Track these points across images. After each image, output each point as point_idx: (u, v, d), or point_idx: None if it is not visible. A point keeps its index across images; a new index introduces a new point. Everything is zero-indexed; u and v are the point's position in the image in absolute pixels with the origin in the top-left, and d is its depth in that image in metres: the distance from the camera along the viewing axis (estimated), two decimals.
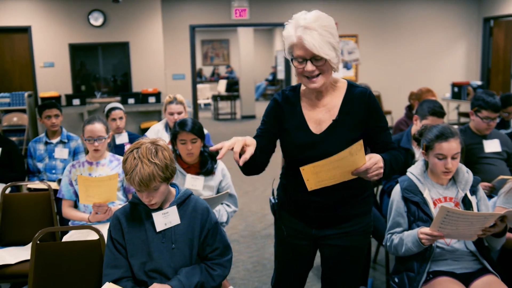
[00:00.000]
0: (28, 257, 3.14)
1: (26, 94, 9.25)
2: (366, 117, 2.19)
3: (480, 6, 11.56)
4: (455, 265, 2.55)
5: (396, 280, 2.65)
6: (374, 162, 1.98)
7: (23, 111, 9.17)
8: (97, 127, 3.41)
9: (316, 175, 2.01)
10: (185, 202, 2.35)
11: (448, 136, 2.57)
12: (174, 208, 2.30)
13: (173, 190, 2.38)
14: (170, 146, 3.26)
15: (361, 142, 1.92)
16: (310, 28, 2.03)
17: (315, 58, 2.05)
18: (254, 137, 2.22)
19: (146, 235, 2.27)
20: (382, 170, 2.01)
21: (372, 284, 3.69)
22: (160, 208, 2.29)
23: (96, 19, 9.84)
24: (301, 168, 1.99)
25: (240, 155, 1.95)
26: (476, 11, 11.62)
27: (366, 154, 2.01)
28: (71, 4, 9.75)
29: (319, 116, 2.22)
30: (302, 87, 2.29)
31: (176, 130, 3.30)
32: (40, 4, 9.69)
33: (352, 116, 2.18)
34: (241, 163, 1.94)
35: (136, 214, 2.31)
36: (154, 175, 2.14)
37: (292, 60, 2.13)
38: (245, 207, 5.90)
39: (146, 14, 10.04)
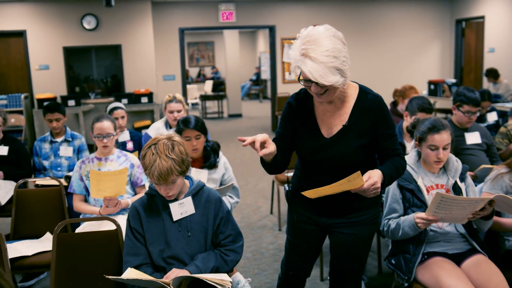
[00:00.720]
0: (43, 249, 3.20)
1: (22, 96, 9.19)
2: (375, 123, 2.21)
3: (452, 9, 11.74)
4: (447, 246, 2.63)
5: (393, 261, 2.71)
6: (371, 183, 2.04)
7: (20, 112, 9.10)
8: (106, 125, 3.44)
9: (316, 192, 2.15)
10: (198, 193, 2.40)
11: (440, 129, 2.66)
12: (189, 198, 2.35)
13: (187, 182, 2.43)
14: None
15: (359, 172, 1.99)
16: (310, 58, 1.98)
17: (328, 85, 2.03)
18: (274, 140, 2.32)
19: (164, 224, 2.32)
20: (379, 189, 2.08)
21: (366, 269, 3.77)
22: (176, 199, 2.34)
23: (89, 23, 9.79)
24: (303, 193, 2.15)
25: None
26: (449, 14, 11.80)
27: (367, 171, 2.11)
28: (64, 9, 9.69)
29: (330, 121, 2.24)
30: None
31: (180, 127, 3.33)
32: (35, 9, 9.61)
33: (362, 122, 2.20)
34: (260, 154, 2.09)
35: (154, 205, 2.36)
36: (172, 170, 2.18)
37: (299, 80, 2.11)
38: (240, 200, 5.94)
39: (137, 17, 10.01)
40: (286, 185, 2.55)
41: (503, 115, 6.48)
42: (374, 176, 2.05)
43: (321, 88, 2.06)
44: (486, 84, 9.55)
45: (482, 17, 10.71)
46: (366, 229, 2.39)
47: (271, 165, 2.28)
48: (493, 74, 9.06)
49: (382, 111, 2.21)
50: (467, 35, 11.61)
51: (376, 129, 2.21)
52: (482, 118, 5.40)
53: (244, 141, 2.12)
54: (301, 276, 2.62)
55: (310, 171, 2.36)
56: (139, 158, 3.77)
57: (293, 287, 2.68)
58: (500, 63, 9.85)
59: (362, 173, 2.08)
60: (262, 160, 2.28)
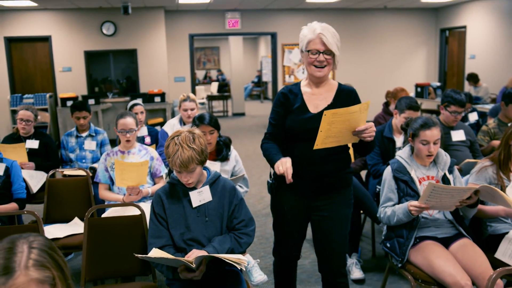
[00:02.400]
0: (73, 232, 3.23)
1: (47, 95, 9.21)
2: (354, 104, 2.34)
3: (437, 19, 11.75)
4: (437, 231, 2.67)
5: (388, 245, 2.75)
6: (370, 125, 2.21)
7: (45, 110, 9.13)
8: (129, 121, 3.47)
9: (330, 127, 2.17)
10: (215, 182, 2.42)
11: (431, 125, 2.69)
12: (207, 187, 2.38)
13: (205, 172, 2.46)
14: None
15: (368, 102, 2.19)
16: (327, 29, 2.33)
17: (326, 53, 2.31)
18: (271, 129, 2.51)
19: (184, 210, 2.34)
20: (374, 134, 2.22)
21: (361, 252, 3.82)
22: (195, 188, 2.37)
23: (108, 29, 9.81)
24: (324, 112, 2.16)
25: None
26: (434, 23, 11.81)
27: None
28: (86, 16, 9.71)
29: (317, 102, 2.42)
30: (302, 83, 2.50)
31: (196, 123, 3.36)
32: (59, 16, 9.63)
33: (344, 102, 2.35)
34: (288, 182, 2.24)
35: (175, 192, 2.38)
36: (193, 158, 2.22)
37: (308, 52, 2.35)
38: None
39: (151, 24, 10.03)
40: (269, 179, 2.60)
41: (482, 115, 6.51)
42: (371, 123, 2.23)
43: (325, 60, 2.33)
44: (467, 87, 9.57)
45: (464, 27, 10.73)
46: (344, 208, 2.49)
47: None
48: (474, 79, 9.08)
49: (358, 98, 2.46)
50: (450, 42, 11.63)
51: None
52: (464, 118, 5.43)
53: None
54: (292, 259, 2.69)
55: (295, 148, 2.44)
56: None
57: (286, 270, 2.74)
58: (480, 69, 9.88)
59: (340, 150, 2.37)
60: (265, 154, 2.46)
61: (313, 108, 2.41)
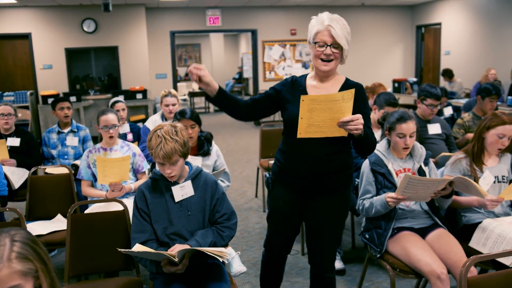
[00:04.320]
0: (55, 229, 3.20)
1: (28, 92, 9.05)
2: (357, 102, 2.16)
3: (413, 16, 11.88)
4: (414, 222, 2.71)
5: (367, 236, 2.78)
6: (357, 117, 2.05)
7: (26, 107, 8.97)
8: (111, 117, 3.43)
9: (310, 114, 2.06)
10: (197, 177, 2.41)
11: (407, 119, 2.73)
12: (189, 182, 2.37)
13: (187, 167, 2.45)
14: None
15: (352, 90, 2.03)
16: (337, 21, 2.20)
17: (333, 46, 2.20)
18: (258, 95, 2.45)
19: (167, 205, 2.33)
20: (361, 127, 2.07)
21: (341, 243, 3.85)
22: (177, 183, 2.37)
23: (89, 26, 9.68)
24: (302, 97, 2.07)
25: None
26: (410, 20, 11.94)
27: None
28: (66, 13, 9.56)
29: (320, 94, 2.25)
30: (309, 75, 2.39)
31: (177, 118, 3.35)
32: (39, 14, 9.46)
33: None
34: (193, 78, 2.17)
35: (157, 187, 2.37)
36: (176, 150, 2.21)
37: (315, 44, 2.24)
38: None
39: (132, 21, 9.92)
40: (266, 173, 2.57)
41: (457, 109, 6.62)
42: (359, 114, 2.08)
43: (333, 54, 2.21)
44: (442, 82, 9.71)
45: (439, 24, 10.87)
46: (339, 211, 2.40)
47: (222, 104, 2.32)
48: (449, 74, 9.21)
49: (363, 94, 2.31)
50: (426, 39, 11.78)
51: (357, 105, 2.14)
52: (439, 112, 5.51)
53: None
54: (283, 254, 2.63)
55: (292, 146, 2.34)
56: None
57: (275, 263, 2.68)
58: (454, 64, 10.03)
59: (344, 142, 2.26)
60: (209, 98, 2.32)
61: None
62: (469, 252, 2.60)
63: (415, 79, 9.90)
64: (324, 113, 2.07)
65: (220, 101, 2.30)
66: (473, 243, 2.66)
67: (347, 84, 2.33)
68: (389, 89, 10.12)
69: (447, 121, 5.29)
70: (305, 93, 2.31)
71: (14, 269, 1.20)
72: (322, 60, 2.24)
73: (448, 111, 5.63)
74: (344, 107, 2.05)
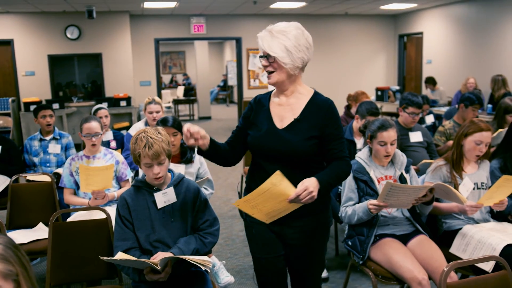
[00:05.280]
0: (37, 237, 3.16)
1: (10, 99, 8.94)
2: (324, 122, 2.06)
3: (396, 25, 12.05)
4: (396, 228, 2.74)
5: (350, 243, 2.80)
6: (303, 188, 1.87)
7: (8, 114, 8.86)
8: (94, 125, 3.42)
9: (257, 209, 1.93)
10: (179, 183, 2.41)
11: (388, 127, 2.77)
12: (171, 188, 2.36)
13: (169, 174, 2.45)
14: None
15: (279, 172, 1.83)
16: (268, 31, 2.04)
17: (268, 56, 2.04)
18: (232, 133, 2.29)
19: (149, 212, 2.32)
20: (314, 194, 1.89)
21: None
22: (159, 189, 2.37)
23: (72, 33, 9.62)
24: (235, 204, 1.94)
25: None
26: (393, 29, 12.11)
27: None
28: (49, 20, 9.48)
29: (283, 113, 2.12)
30: (273, 92, 2.22)
31: (159, 126, 3.35)
32: (22, 20, 9.37)
33: (312, 118, 2.07)
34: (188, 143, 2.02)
35: (140, 195, 2.35)
36: (163, 148, 2.24)
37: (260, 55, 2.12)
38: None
39: (116, 28, 9.89)
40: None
41: (439, 117, 6.73)
42: (305, 182, 1.90)
43: (268, 63, 2.05)
44: (425, 91, 9.85)
45: (421, 33, 11.05)
46: (317, 233, 2.19)
47: (213, 156, 2.17)
48: (432, 82, 9.35)
49: (332, 113, 2.10)
50: (408, 48, 11.95)
51: (325, 127, 2.05)
52: (421, 120, 5.60)
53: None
54: None
55: (260, 170, 2.16)
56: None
57: None
58: (436, 73, 10.19)
59: (314, 165, 2.06)
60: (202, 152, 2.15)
61: (278, 121, 2.12)
62: (450, 258, 2.64)
63: (397, 87, 10.04)
64: (268, 202, 1.92)
65: (211, 153, 2.16)
66: (453, 249, 2.71)
67: (315, 99, 2.12)
68: (372, 97, 10.24)
69: (428, 129, 5.38)
70: (269, 112, 2.14)
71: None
72: (266, 71, 2.11)
73: (430, 119, 5.72)
74: (282, 189, 1.86)
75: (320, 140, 2.07)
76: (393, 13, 11.75)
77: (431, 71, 10.50)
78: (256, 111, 2.21)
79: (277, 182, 1.84)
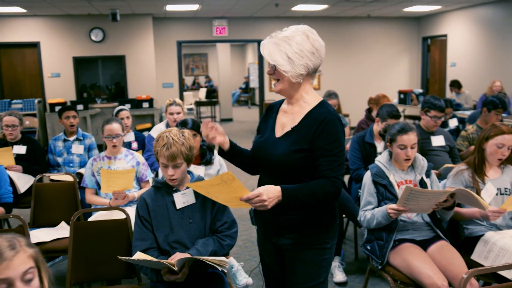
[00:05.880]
0: (59, 236, 3.22)
1: (36, 100, 9.14)
2: (315, 135, 1.92)
3: (419, 28, 11.90)
4: (415, 234, 2.70)
5: (368, 247, 2.78)
6: (255, 194, 1.81)
7: (34, 115, 9.06)
8: (115, 127, 3.47)
9: (212, 196, 1.93)
10: None
11: (408, 130, 2.74)
12: (190, 190, 2.38)
13: (188, 176, 2.48)
14: None
15: (229, 172, 1.81)
16: (271, 38, 1.96)
17: (272, 66, 1.97)
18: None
19: (168, 212, 2.35)
20: (267, 204, 1.81)
21: (344, 255, 3.85)
22: (178, 190, 2.39)
23: (97, 36, 9.78)
24: (188, 184, 2.02)
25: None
26: (416, 32, 11.96)
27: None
28: (75, 23, 9.67)
29: (285, 121, 2.05)
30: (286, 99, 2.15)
31: (179, 128, 3.38)
32: (48, 23, 9.58)
33: (306, 129, 1.95)
34: (208, 138, 2.01)
35: (159, 195, 2.39)
36: (181, 152, 2.26)
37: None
38: None
39: (140, 31, 10.02)
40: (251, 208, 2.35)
41: (463, 121, 6.61)
42: (262, 188, 1.83)
43: (272, 70, 1.98)
44: (449, 94, 9.70)
45: (445, 35, 10.88)
46: (311, 254, 2.04)
47: (235, 159, 2.14)
48: (457, 85, 9.19)
49: (326, 127, 1.92)
50: (432, 50, 11.78)
51: (316, 140, 1.92)
52: (444, 124, 5.51)
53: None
54: None
55: (261, 172, 2.16)
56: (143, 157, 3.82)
57: None
58: (460, 76, 10.02)
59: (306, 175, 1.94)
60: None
61: (279, 129, 2.05)
62: (471, 264, 2.59)
63: (420, 90, 9.90)
64: (220, 194, 1.92)
65: (232, 155, 2.12)
66: (475, 256, 2.66)
67: (314, 110, 1.98)
68: (395, 100, 10.13)
69: (452, 133, 5.29)
70: (275, 120, 2.10)
71: (28, 253, 1.33)
72: (272, 79, 2.04)
73: (453, 123, 5.62)
74: (234, 187, 1.83)
75: (311, 154, 1.93)
76: (416, 16, 11.61)
77: (455, 74, 10.33)
78: (266, 118, 2.17)
79: (228, 180, 1.81)
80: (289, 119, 2.03)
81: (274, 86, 2.03)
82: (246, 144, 2.33)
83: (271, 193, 1.83)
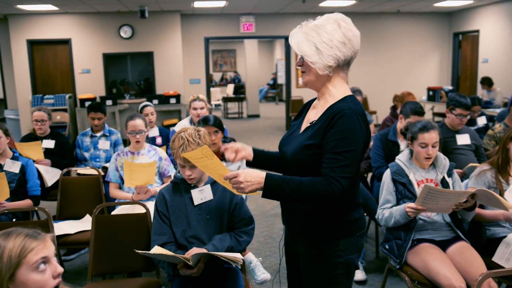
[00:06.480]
0: (84, 228, 3.31)
1: (67, 96, 9.37)
2: (327, 130, 1.76)
3: (450, 23, 11.63)
4: (435, 233, 2.67)
5: (387, 247, 2.75)
6: (233, 175, 1.72)
7: (65, 110, 9.29)
8: (138, 122, 3.53)
9: (206, 169, 1.89)
10: (216, 181, 2.47)
11: (429, 128, 2.70)
12: (208, 186, 2.42)
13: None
14: None
15: (206, 146, 1.82)
16: (301, 26, 1.84)
17: (300, 55, 1.84)
18: None
19: (186, 208, 2.38)
20: (244, 187, 1.71)
21: (364, 254, 3.82)
22: (196, 186, 2.42)
23: (126, 32, 9.94)
24: (183, 154, 2.01)
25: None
26: (447, 27, 11.70)
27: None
28: (104, 20, 9.85)
29: (310, 116, 1.93)
30: None
31: (200, 125, 3.42)
32: (79, 20, 9.79)
33: (320, 125, 1.80)
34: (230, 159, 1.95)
35: (177, 191, 2.43)
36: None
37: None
38: None
39: (168, 27, 10.13)
40: None
41: (492, 119, 6.44)
42: (242, 171, 1.73)
43: (300, 62, 1.85)
44: (480, 91, 9.46)
45: (477, 31, 10.61)
46: (322, 267, 1.88)
47: (268, 167, 2.04)
48: (488, 82, 8.97)
49: (339, 121, 1.73)
50: (463, 46, 11.51)
51: (326, 134, 1.76)
52: (473, 122, 5.39)
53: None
54: None
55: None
56: (167, 153, 3.87)
57: None
58: (492, 73, 9.75)
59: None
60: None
61: (305, 123, 1.94)
62: (492, 266, 2.54)
63: (450, 88, 9.70)
64: (210, 170, 1.86)
65: (260, 162, 2.02)
66: (496, 258, 2.60)
67: (334, 105, 1.80)
68: (424, 97, 9.96)
69: (480, 131, 5.17)
70: (305, 114, 1.99)
71: (50, 235, 1.46)
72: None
73: (482, 121, 5.48)
74: (215, 163, 1.80)
75: (322, 151, 1.77)
76: (447, 11, 11.35)
77: (487, 71, 10.06)
78: (299, 114, 2.05)
79: (208, 155, 1.77)
80: (314, 114, 1.90)
81: (302, 77, 1.88)
82: (272, 140, 2.32)
83: (251, 177, 1.71)
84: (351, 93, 1.86)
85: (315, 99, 2.00)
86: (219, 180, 1.85)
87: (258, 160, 2.01)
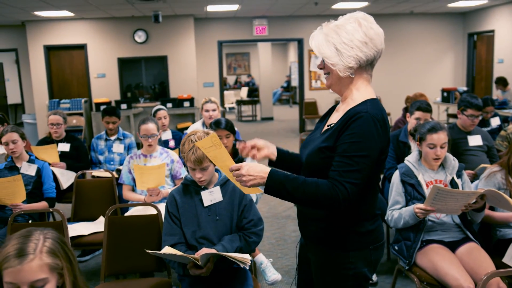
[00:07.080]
0: (98, 230, 3.37)
1: (82, 100, 9.52)
2: (341, 132, 1.69)
3: (465, 24, 11.53)
4: (444, 234, 2.67)
5: (396, 247, 2.76)
6: (237, 167, 1.69)
7: (81, 114, 9.44)
8: (151, 126, 3.59)
9: (215, 161, 1.83)
10: (226, 183, 2.50)
11: (438, 129, 2.70)
12: (218, 188, 2.46)
13: (216, 174, 2.55)
14: None
15: (214, 134, 1.80)
16: (322, 28, 1.78)
17: (321, 57, 1.78)
18: None
19: (196, 209, 2.42)
20: (246, 180, 1.66)
21: None
22: (206, 188, 2.46)
23: (140, 37, 10.06)
24: (196, 144, 1.95)
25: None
26: (462, 28, 11.60)
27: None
28: (119, 25, 9.98)
29: (332, 119, 1.85)
30: None
31: (213, 128, 3.46)
32: (94, 25, 9.94)
33: (336, 127, 1.73)
34: (249, 155, 1.89)
35: (188, 192, 2.47)
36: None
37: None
38: None
39: (181, 32, 10.22)
40: None
41: (507, 120, 6.37)
42: (246, 164, 1.68)
43: (322, 64, 1.78)
44: (495, 91, 9.36)
45: (492, 31, 10.50)
46: (330, 277, 1.83)
47: (291, 168, 1.94)
48: (503, 82, 8.88)
49: (354, 124, 1.65)
50: (479, 47, 11.39)
51: (339, 136, 1.69)
52: (486, 123, 5.34)
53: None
54: None
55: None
56: (179, 156, 3.92)
57: None
58: (508, 73, 9.64)
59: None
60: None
61: (326, 126, 1.86)
62: (503, 268, 2.52)
63: (465, 89, 9.61)
64: (219, 161, 1.81)
65: (284, 162, 1.95)
66: (506, 259, 2.58)
67: (353, 108, 1.72)
68: (438, 98, 9.88)
69: (494, 132, 5.12)
70: (329, 116, 1.93)
71: (44, 261, 1.32)
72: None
73: (495, 122, 5.43)
74: (223, 153, 1.77)
75: (331, 154, 1.70)
76: (462, 11, 11.25)
77: (503, 71, 9.95)
78: (324, 117, 1.97)
79: (216, 144, 1.75)
80: (335, 117, 1.81)
81: (326, 79, 1.81)
82: (286, 142, 2.33)
83: (254, 171, 1.66)
84: (374, 97, 1.76)
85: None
86: (225, 172, 1.81)
87: (281, 160, 1.94)
